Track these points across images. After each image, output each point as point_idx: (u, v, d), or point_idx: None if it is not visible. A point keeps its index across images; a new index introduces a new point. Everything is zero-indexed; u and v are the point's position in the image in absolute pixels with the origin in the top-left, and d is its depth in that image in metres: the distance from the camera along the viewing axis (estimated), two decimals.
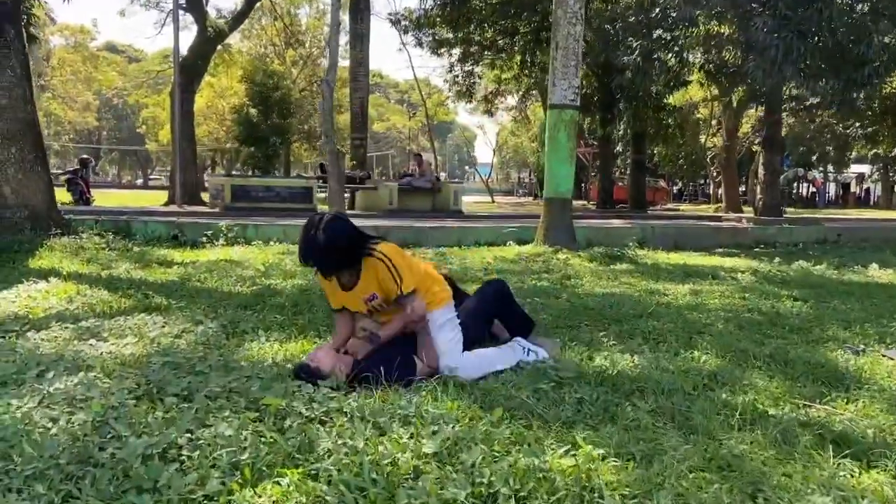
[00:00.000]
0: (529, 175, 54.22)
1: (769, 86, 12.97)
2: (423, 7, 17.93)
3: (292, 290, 5.21)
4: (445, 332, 3.13)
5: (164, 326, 3.84)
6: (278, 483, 1.91)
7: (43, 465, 1.93)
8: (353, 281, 3.09)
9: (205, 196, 16.14)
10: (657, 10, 12.06)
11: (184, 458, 2.03)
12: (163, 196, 19.59)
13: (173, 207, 14.55)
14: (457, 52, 19.67)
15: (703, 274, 6.83)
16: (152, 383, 2.70)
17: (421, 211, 14.86)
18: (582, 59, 9.35)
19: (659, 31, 12.07)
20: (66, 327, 3.69)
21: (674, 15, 11.74)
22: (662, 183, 38.67)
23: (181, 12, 17.67)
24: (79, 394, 2.55)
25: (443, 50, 19.40)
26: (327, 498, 1.81)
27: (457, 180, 27.42)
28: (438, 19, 17.68)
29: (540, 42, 17.61)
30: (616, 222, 12.84)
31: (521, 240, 9.71)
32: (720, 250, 10.02)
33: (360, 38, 16.58)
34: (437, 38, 18.79)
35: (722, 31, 13.26)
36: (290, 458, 2.06)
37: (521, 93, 23.73)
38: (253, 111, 22.87)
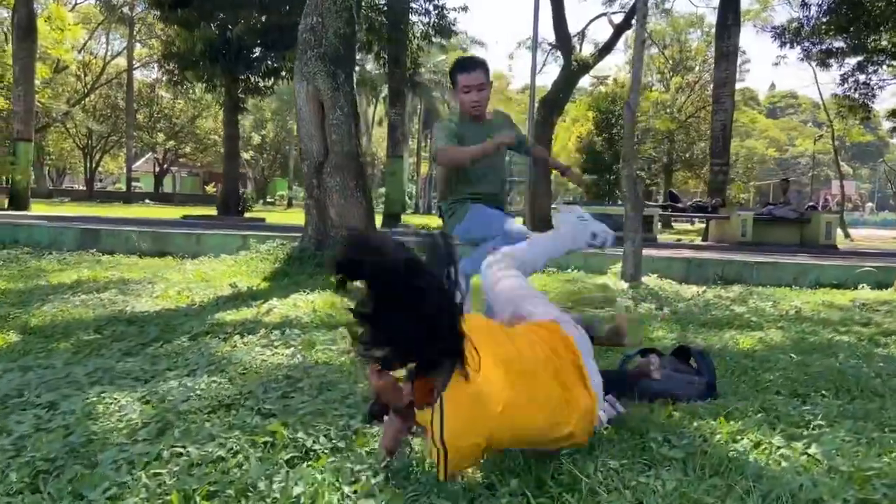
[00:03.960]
0: None
1: None
2: (805, 15, 15.74)
3: None
4: None
5: None
6: None
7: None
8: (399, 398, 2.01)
9: None
10: None
11: (155, 468, 2.06)
12: None
13: None
14: (851, 62, 16.79)
15: None
16: (242, 395, 2.82)
17: (782, 244, 12.99)
18: None
19: None
20: (272, 334, 4.06)
21: None
22: None
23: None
24: (175, 395, 2.78)
25: (832, 61, 16.72)
26: None
27: (836, 210, 23.27)
28: (824, 27, 15.33)
29: None
30: None
31: (883, 283, 7.82)
32: None
33: (725, 57, 15.33)
34: (823, 48, 16.27)
35: None
36: (243, 490, 1.93)
37: None
38: (597, 139, 22.86)
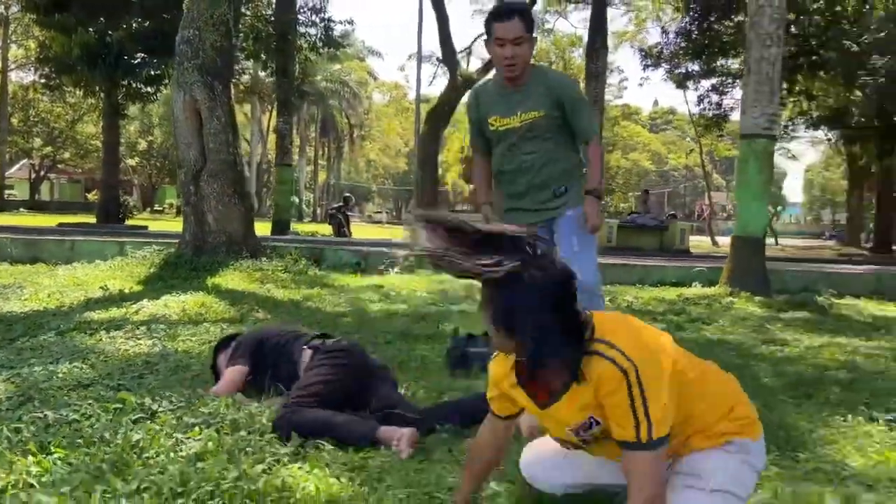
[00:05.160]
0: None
1: None
2: (665, 40, 17.27)
3: (406, 317, 5.47)
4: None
5: (218, 332, 4.36)
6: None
7: None
8: (554, 393, 1.61)
9: None
10: None
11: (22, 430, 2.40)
12: None
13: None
14: (706, 84, 18.52)
15: None
16: (100, 377, 3.16)
17: (644, 249, 14.23)
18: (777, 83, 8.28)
19: None
20: (138, 329, 4.35)
21: None
22: None
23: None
24: (38, 377, 3.09)
25: (689, 83, 18.39)
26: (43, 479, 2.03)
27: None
28: (681, 52, 16.86)
29: (800, 67, 15.87)
30: (859, 268, 10.94)
31: (712, 281, 8.83)
32: None
33: (595, 77, 16.51)
34: (678, 71, 17.88)
35: None
36: (92, 441, 2.30)
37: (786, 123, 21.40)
38: None
